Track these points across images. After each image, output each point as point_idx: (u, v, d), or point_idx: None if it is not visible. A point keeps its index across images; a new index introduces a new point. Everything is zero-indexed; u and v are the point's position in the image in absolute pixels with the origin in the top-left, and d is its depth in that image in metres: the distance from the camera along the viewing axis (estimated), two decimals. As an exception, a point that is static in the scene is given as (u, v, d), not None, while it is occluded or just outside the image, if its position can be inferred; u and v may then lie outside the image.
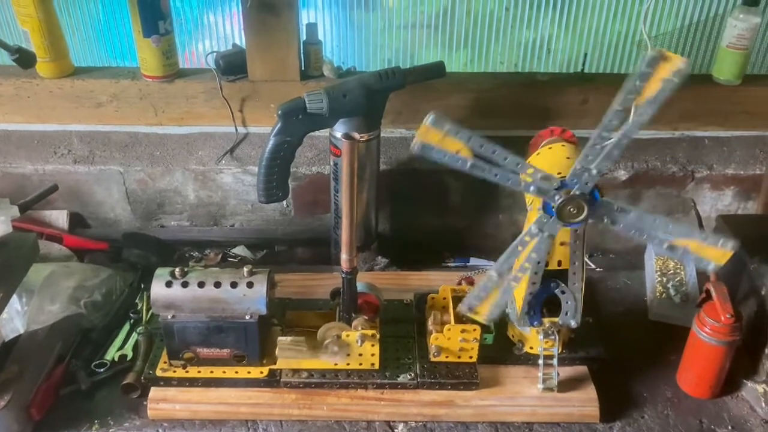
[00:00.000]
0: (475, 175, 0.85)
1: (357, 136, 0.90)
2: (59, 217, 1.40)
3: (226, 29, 1.48)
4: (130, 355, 1.10)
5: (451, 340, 1.02)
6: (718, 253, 0.86)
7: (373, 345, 1.02)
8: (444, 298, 1.09)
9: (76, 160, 1.38)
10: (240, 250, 1.43)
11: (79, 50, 1.48)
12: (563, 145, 1.00)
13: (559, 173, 0.89)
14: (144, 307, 1.20)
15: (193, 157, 1.39)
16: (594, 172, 0.85)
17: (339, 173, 1.17)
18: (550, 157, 0.99)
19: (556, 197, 0.87)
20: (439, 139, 0.82)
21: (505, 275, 0.92)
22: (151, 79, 1.36)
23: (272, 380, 1.02)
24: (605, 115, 0.82)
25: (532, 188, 0.86)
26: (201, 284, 0.97)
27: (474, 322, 0.99)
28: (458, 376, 1.02)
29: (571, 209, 0.87)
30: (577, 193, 0.86)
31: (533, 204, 0.95)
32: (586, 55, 1.44)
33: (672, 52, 0.77)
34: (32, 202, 1.23)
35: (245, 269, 0.99)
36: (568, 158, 0.96)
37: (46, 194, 1.27)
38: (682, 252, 0.88)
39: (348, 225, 0.95)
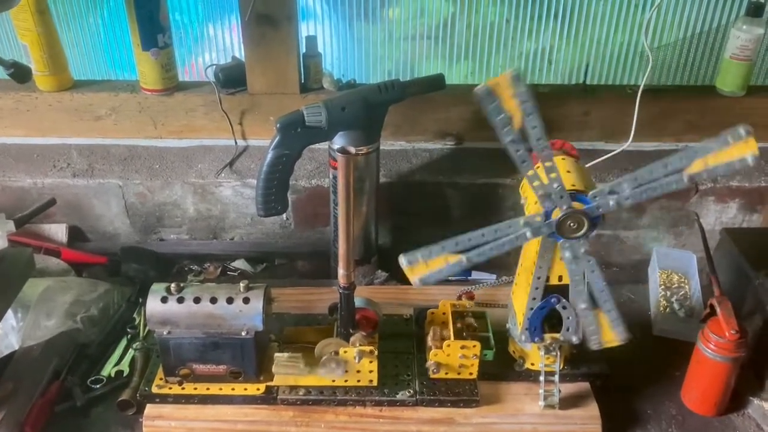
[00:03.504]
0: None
1: (352, 150, 0.89)
2: (58, 231, 1.40)
3: (226, 42, 1.48)
4: (126, 371, 1.09)
5: (451, 357, 1.00)
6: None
7: (371, 361, 1.00)
8: (444, 314, 1.08)
9: (75, 173, 1.37)
10: (239, 264, 1.42)
11: (78, 64, 1.48)
12: (563, 159, 0.99)
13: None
14: (141, 323, 1.18)
15: (192, 170, 1.38)
16: (614, 202, 0.84)
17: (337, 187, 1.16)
18: (550, 171, 0.97)
19: (564, 206, 0.85)
20: (507, 95, 0.78)
21: (463, 253, 0.87)
22: (150, 92, 1.36)
23: (269, 397, 1.01)
24: (671, 157, 0.80)
25: (540, 192, 0.85)
26: (197, 300, 0.96)
27: (467, 336, 0.99)
28: (458, 393, 1.01)
29: (571, 224, 0.86)
30: (587, 210, 0.85)
31: (531, 208, 0.93)
32: (587, 66, 1.43)
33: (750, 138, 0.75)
34: (29, 216, 1.23)
35: (241, 285, 0.98)
36: (568, 172, 0.95)
37: (44, 208, 1.27)
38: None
39: (345, 240, 0.94)
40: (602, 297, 0.91)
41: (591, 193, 0.86)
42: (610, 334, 0.94)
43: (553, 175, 0.83)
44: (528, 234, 0.86)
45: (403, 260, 0.86)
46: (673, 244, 1.41)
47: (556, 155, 1.01)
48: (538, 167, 0.83)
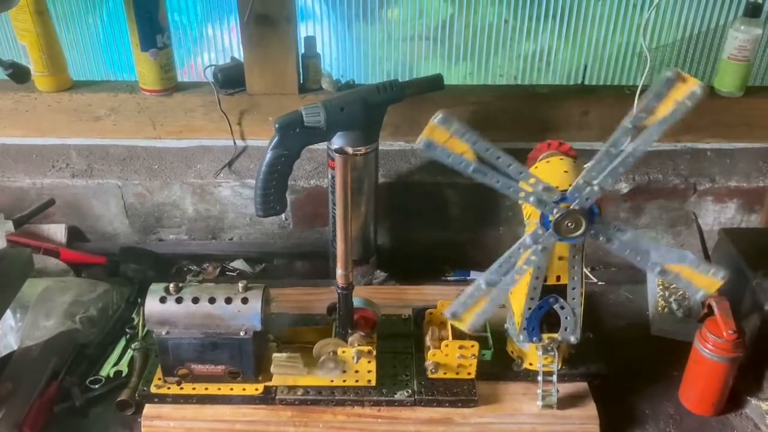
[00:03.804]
0: (476, 179, 0.84)
1: (350, 150, 0.89)
2: (57, 231, 1.40)
3: (225, 42, 1.48)
4: (125, 371, 1.09)
5: (449, 357, 1.00)
6: (708, 281, 0.86)
7: (369, 361, 1.01)
8: (442, 314, 1.08)
9: (74, 173, 1.37)
10: (239, 264, 1.42)
11: (77, 64, 1.48)
12: (561, 159, 0.99)
13: (557, 187, 0.88)
14: (140, 323, 1.19)
15: (191, 170, 1.38)
16: (596, 188, 0.84)
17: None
18: (547, 171, 0.98)
19: (555, 210, 0.86)
20: (445, 138, 0.81)
21: (494, 285, 0.91)
22: (149, 93, 1.36)
23: (267, 397, 1.01)
24: (615, 132, 0.81)
25: (531, 198, 0.86)
26: (195, 300, 0.96)
27: (465, 335, 0.99)
28: (456, 393, 1.01)
29: (569, 224, 0.86)
30: (576, 207, 0.85)
31: (531, 218, 0.93)
32: (586, 67, 1.43)
33: (689, 75, 0.76)
34: (28, 216, 1.23)
35: (240, 285, 0.98)
36: (566, 172, 0.95)
37: (43, 208, 1.27)
38: (673, 277, 0.88)
39: (342, 240, 0.94)
40: (671, 255, 0.89)
41: (569, 191, 0.86)
42: (706, 280, 0.89)
43: (531, 180, 0.84)
44: (540, 249, 0.89)
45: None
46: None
47: (554, 156, 1.01)
48: (522, 184, 0.84)
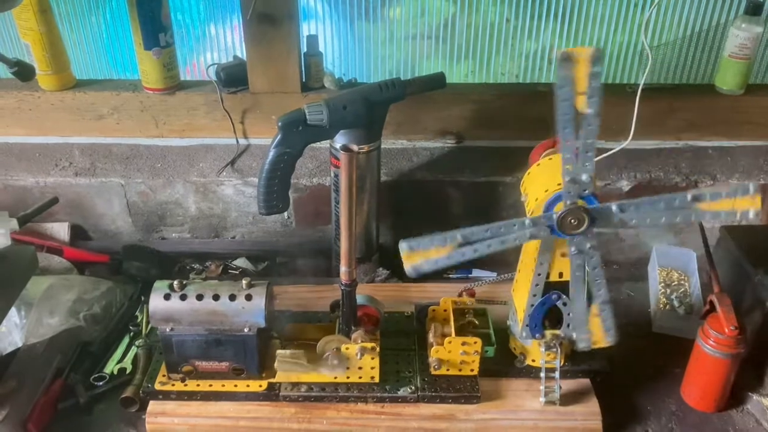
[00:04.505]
0: (478, 258, 0.88)
1: (355, 147, 0.90)
2: (60, 230, 1.40)
3: (228, 41, 1.48)
4: (129, 368, 1.10)
5: (452, 353, 1.01)
6: (745, 201, 0.83)
7: (372, 358, 1.01)
8: (445, 310, 1.08)
9: (77, 172, 1.38)
10: (241, 262, 1.43)
11: (80, 63, 1.48)
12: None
13: (559, 184, 0.88)
14: (144, 320, 1.19)
15: (194, 169, 1.39)
16: (584, 177, 0.85)
17: (339, 185, 1.17)
18: (550, 168, 0.98)
19: (554, 215, 0.86)
20: (422, 255, 0.87)
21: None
22: (152, 92, 1.36)
23: (271, 394, 1.01)
24: (559, 129, 0.83)
25: (528, 235, 0.88)
26: (199, 297, 0.97)
27: (468, 332, 1.00)
28: (459, 389, 1.01)
29: (572, 221, 0.86)
30: (570, 203, 0.86)
31: (534, 215, 0.94)
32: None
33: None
34: (32, 215, 1.23)
35: (244, 282, 0.98)
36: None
37: (46, 207, 1.27)
38: (710, 215, 0.84)
39: (347, 237, 0.95)
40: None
41: (562, 189, 0.87)
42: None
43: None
44: (528, 234, 0.88)
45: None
46: (672, 241, 1.42)
47: (556, 153, 1.01)
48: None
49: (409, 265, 0.87)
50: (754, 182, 0.83)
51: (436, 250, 0.88)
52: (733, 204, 0.83)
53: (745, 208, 0.83)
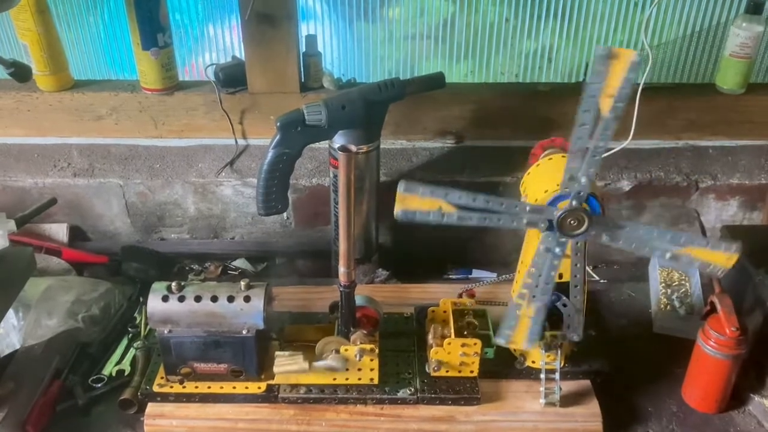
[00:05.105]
0: (465, 225, 0.86)
1: (353, 148, 0.89)
2: (59, 231, 1.40)
3: (226, 41, 1.48)
4: (127, 370, 1.09)
5: (452, 354, 1.00)
6: (722, 257, 0.85)
7: (372, 359, 1.01)
8: (444, 311, 1.08)
9: (75, 173, 1.37)
10: (240, 263, 1.42)
11: (78, 63, 1.48)
12: (563, 156, 0.99)
13: (559, 184, 0.87)
14: (142, 322, 1.19)
15: (192, 169, 1.38)
16: (583, 180, 0.84)
17: (338, 185, 1.16)
18: (550, 168, 0.98)
19: (555, 213, 0.86)
20: (417, 202, 0.84)
21: (528, 298, 0.90)
22: (151, 92, 1.36)
23: (270, 396, 1.01)
24: (575, 123, 0.81)
25: (525, 221, 0.86)
26: (198, 298, 0.96)
27: (467, 333, 1.00)
28: (459, 391, 1.01)
29: (572, 221, 0.86)
30: (575, 204, 0.85)
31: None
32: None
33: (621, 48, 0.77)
34: (30, 216, 1.23)
35: (242, 283, 0.98)
36: (568, 169, 0.95)
37: (45, 208, 1.27)
38: (686, 260, 0.86)
39: (345, 238, 0.94)
40: (679, 239, 0.88)
41: (560, 188, 0.86)
42: (720, 256, 0.88)
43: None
44: (525, 220, 0.87)
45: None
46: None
47: (555, 152, 1.01)
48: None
49: (400, 208, 0.84)
50: (736, 244, 0.85)
51: (431, 201, 0.85)
52: (712, 256, 0.85)
53: (721, 263, 0.85)
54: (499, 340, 0.95)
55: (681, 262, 0.88)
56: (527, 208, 0.86)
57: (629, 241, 0.87)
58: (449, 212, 0.85)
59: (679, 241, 0.85)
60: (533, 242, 0.94)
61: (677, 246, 0.86)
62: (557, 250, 0.88)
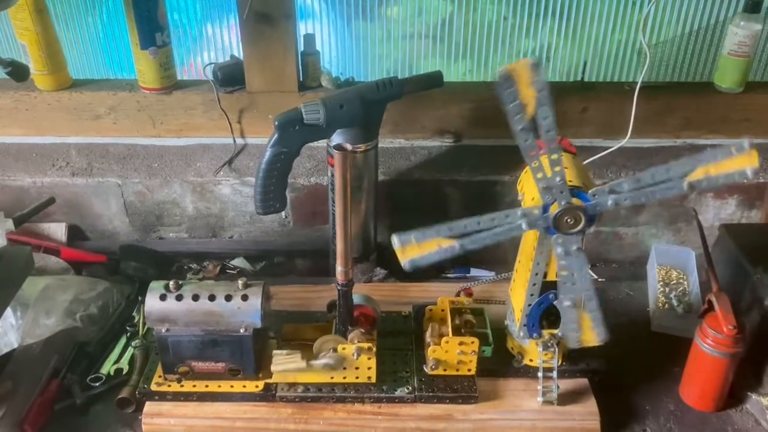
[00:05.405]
0: (473, 250, 0.85)
1: (349, 147, 0.89)
2: (57, 230, 1.40)
3: (224, 41, 1.48)
4: (126, 368, 1.10)
5: (449, 353, 1.00)
6: (742, 159, 0.79)
7: (369, 358, 1.01)
8: (442, 310, 1.08)
9: (74, 172, 1.37)
10: (239, 262, 1.42)
11: (77, 63, 1.48)
12: (562, 155, 0.99)
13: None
14: (141, 321, 1.19)
15: (191, 168, 1.38)
16: (609, 202, 0.84)
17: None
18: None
19: (563, 201, 0.85)
20: (416, 249, 0.85)
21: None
22: (149, 91, 1.36)
23: (268, 394, 1.01)
24: (518, 142, 0.81)
25: (524, 226, 0.87)
26: (195, 297, 0.96)
27: (466, 332, 0.99)
28: (457, 389, 1.01)
29: (568, 219, 0.86)
30: (564, 204, 0.85)
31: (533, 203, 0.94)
32: (585, 63, 1.43)
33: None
34: (28, 215, 1.23)
35: (240, 282, 0.98)
36: (566, 168, 0.95)
37: (43, 207, 1.27)
38: (706, 181, 0.81)
39: (342, 237, 0.94)
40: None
41: (591, 191, 0.86)
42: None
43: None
44: (524, 225, 0.86)
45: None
46: (671, 240, 1.42)
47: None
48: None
49: (404, 260, 0.86)
50: (748, 139, 0.78)
51: (429, 243, 0.86)
52: (730, 165, 0.79)
53: (742, 166, 0.78)
54: (573, 345, 0.96)
55: (702, 185, 0.81)
56: (519, 213, 0.86)
57: (636, 198, 0.84)
58: (450, 245, 0.85)
59: (689, 167, 0.81)
60: (530, 240, 0.94)
61: (688, 172, 0.81)
62: (574, 248, 0.88)
